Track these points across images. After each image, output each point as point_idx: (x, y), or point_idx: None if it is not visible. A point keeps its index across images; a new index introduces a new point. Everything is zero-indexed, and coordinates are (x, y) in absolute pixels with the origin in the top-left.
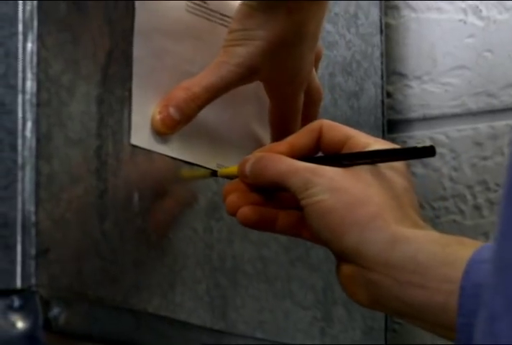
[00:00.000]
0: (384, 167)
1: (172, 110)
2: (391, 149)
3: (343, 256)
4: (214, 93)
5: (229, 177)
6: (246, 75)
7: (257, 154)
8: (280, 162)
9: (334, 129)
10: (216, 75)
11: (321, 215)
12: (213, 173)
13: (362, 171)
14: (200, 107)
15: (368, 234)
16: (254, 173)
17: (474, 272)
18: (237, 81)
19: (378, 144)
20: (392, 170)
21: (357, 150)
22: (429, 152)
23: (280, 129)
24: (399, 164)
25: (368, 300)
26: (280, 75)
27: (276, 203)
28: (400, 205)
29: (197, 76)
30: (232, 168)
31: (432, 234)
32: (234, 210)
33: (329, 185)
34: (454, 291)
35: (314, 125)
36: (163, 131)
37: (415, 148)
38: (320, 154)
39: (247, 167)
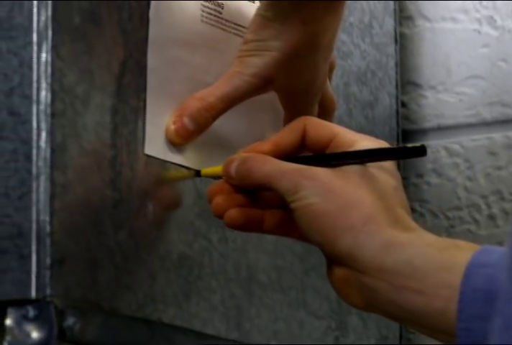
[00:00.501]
0: (372, 166)
1: (186, 120)
2: (381, 149)
3: (335, 260)
4: (229, 103)
5: (213, 177)
6: (260, 85)
7: (242, 154)
8: (266, 163)
9: (319, 126)
10: (230, 85)
11: (312, 219)
12: (197, 173)
13: (351, 171)
14: (215, 117)
15: (362, 239)
16: (240, 175)
17: (473, 277)
18: (252, 91)
19: (365, 140)
20: (381, 169)
21: (344, 147)
22: (420, 151)
23: None
24: (387, 163)
25: (363, 303)
26: (295, 86)
27: (261, 202)
28: (391, 206)
29: (211, 86)
30: (216, 168)
31: (427, 238)
32: (221, 212)
33: (319, 188)
34: (452, 297)
35: (298, 123)
36: (177, 142)
37: (405, 147)
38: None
39: (232, 169)
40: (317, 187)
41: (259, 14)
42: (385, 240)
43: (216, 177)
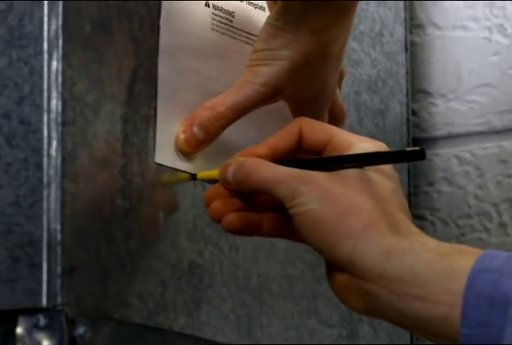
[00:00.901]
0: (370, 169)
1: (196, 129)
2: (380, 152)
3: (336, 266)
4: (239, 113)
5: (209, 180)
6: (270, 94)
7: (239, 159)
8: (264, 168)
9: (315, 128)
10: (240, 94)
11: (311, 225)
12: (193, 177)
13: (350, 176)
14: (225, 126)
15: (362, 245)
16: (237, 180)
17: (477, 283)
18: (262, 100)
19: (363, 142)
20: (379, 173)
21: (341, 149)
22: (419, 155)
23: None
24: (385, 166)
25: (364, 308)
26: (305, 95)
27: (258, 205)
28: (391, 211)
29: (221, 95)
30: (212, 172)
31: (428, 243)
32: (218, 217)
33: (317, 194)
34: (455, 303)
35: (294, 125)
36: (187, 151)
37: (404, 151)
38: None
39: (229, 173)
40: (315, 193)
41: (269, 23)
42: (385, 246)
43: (211, 180)
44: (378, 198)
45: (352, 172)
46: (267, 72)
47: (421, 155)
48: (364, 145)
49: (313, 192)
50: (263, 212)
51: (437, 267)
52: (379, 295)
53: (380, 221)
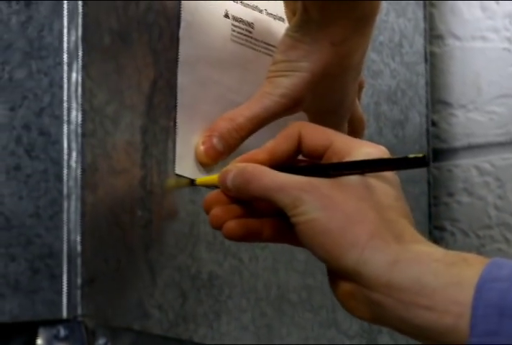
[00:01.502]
0: (372, 176)
1: (215, 140)
2: (382, 159)
3: (341, 275)
4: (258, 124)
5: (207, 185)
6: (290, 105)
7: (238, 165)
8: (264, 176)
9: (314, 132)
10: (260, 105)
11: (314, 235)
12: (192, 182)
13: (352, 183)
14: (244, 138)
15: (367, 255)
16: (237, 187)
17: (485, 292)
18: (281, 112)
19: (364, 147)
20: (381, 179)
21: (342, 155)
22: (421, 162)
23: None
24: (386, 172)
25: (370, 317)
26: (324, 106)
27: (258, 210)
28: (395, 218)
29: (241, 107)
30: (211, 177)
31: (435, 252)
32: (219, 224)
33: (320, 202)
34: (463, 313)
35: (292, 130)
36: (207, 162)
37: (406, 158)
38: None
39: (229, 180)
40: (318, 202)
41: (288, 34)
42: (391, 256)
43: (210, 186)
44: (381, 205)
45: (354, 180)
46: (287, 83)
47: (423, 162)
48: (366, 150)
49: (315, 200)
50: (263, 217)
51: (444, 277)
52: (385, 305)
53: (384, 230)
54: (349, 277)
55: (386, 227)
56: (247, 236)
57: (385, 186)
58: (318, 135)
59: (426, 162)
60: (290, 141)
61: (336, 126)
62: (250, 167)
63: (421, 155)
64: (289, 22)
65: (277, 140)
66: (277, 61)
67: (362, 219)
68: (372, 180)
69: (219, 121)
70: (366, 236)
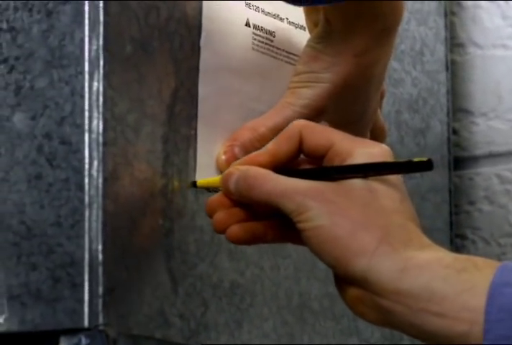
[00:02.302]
0: (376, 179)
1: (237, 150)
2: (386, 163)
3: (349, 281)
4: None
5: (208, 188)
6: (311, 116)
7: (241, 168)
8: (266, 181)
9: (315, 132)
10: (281, 115)
11: (322, 243)
12: (193, 184)
13: (356, 187)
14: None
15: (375, 262)
16: (240, 191)
17: (498, 297)
18: None
19: (366, 147)
20: (385, 182)
21: (344, 156)
22: (426, 166)
23: None
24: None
25: (380, 321)
26: (346, 117)
27: (262, 212)
28: (402, 222)
29: (263, 116)
30: (212, 179)
31: (444, 258)
32: (222, 229)
33: (325, 209)
34: (476, 320)
35: (293, 130)
36: None
37: (410, 161)
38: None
39: (231, 184)
40: (323, 208)
41: (310, 45)
42: (399, 263)
43: (211, 188)
44: (386, 209)
45: (357, 184)
46: (309, 94)
47: (428, 166)
48: (368, 150)
49: (319, 207)
50: (267, 218)
51: (455, 283)
52: (394, 311)
53: (391, 235)
54: (358, 284)
55: (393, 232)
56: (251, 240)
57: (389, 189)
58: (318, 135)
59: (431, 166)
60: (291, 143)
61: (358, 136)
62: (252, 172)
63: (425, 159)
64: (310, 33)
65: (278, 141)
66: (300, 72)
67: (369, 225)
68: (376, 183)
69: (241, 131)
70: (374, 242)
